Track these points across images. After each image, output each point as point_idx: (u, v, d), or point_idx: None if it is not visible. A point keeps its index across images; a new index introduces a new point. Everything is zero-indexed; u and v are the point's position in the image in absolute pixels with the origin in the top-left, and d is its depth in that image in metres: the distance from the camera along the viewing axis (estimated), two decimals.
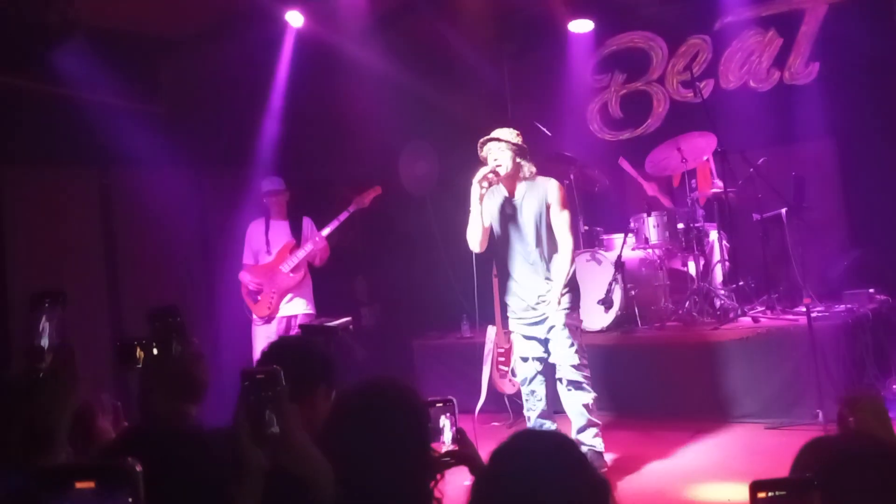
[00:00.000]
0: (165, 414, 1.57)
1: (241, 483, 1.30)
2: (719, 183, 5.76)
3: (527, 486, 1.23)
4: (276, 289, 5.33)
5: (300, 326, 4.75)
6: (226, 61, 6.23)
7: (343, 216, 5.37)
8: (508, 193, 4.01)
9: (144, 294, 5.85)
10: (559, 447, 1.33)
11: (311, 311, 5.37)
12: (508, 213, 4.00)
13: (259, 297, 5.35)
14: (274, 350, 1.92)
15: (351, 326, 4.63)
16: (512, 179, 3.96)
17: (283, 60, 6.42)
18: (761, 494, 1.05)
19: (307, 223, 5.47)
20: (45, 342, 1.54)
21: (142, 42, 5.82)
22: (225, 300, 5.80)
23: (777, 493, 1.05)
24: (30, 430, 1.47)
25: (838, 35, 6.17)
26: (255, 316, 5.35)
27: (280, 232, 5.42)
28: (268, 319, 5.31)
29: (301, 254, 5.32)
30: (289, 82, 6.51)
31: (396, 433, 1.58)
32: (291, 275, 5.34)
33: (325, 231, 5.35)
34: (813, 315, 4.60)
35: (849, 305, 5.20)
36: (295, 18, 6.01)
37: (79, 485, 0.97)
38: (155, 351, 1.73)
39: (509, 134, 3.91)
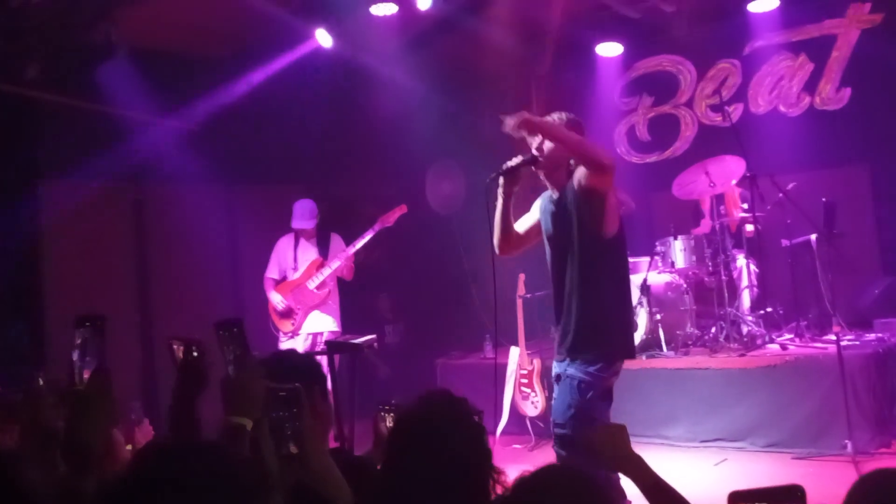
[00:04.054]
0: (220, 428, 1.59)
1: (264, 500, 1.31)
2: (744, 206, 5.72)
3: None
4: (302, 305, 5.39)
5: (326, 343, 4.80)
6: (259, 81, 6.37)
7: (368, 234, 5.40)
8: (554, 190, 3.04)
9: (174, 307, 5.96)
10: (582, 488, 1.32)
11: (337, 329, 5.43)
12: (553, 214, 3.05)
13: (284, 315, 5.41)
14: (266, 365, 1.94)
15: (375, 344, 4.68)
16: (557, 171, 3.01)
17: (314, 80, 6.53)
18: None
19: (335, 239, 5.54)
20: (82, 365, 1.58)
21: (179, 61, 5.98)
22: (252, 315, 5.88)
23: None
24: (69, 447, 1.51)
25: (870, 60, 6.12)
26: (280, 331, 5.41)
27: (308, 249, 5.50)
28: (293, 335, 5.37)
29: (327, 271, 5.38)
30: (319, 101, 6.63)
31: (458, 450, 1.60)
32: (317, 291, 5.40)
33: (351, 249, 5.40)
34: (843, 343, 4.53)
35: (880, 334, 5.12)
36: (325, 39, 6.12)
37: None
38: (195, 353, 1.77)
39: (557, 115, 3.04)
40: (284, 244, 5.54)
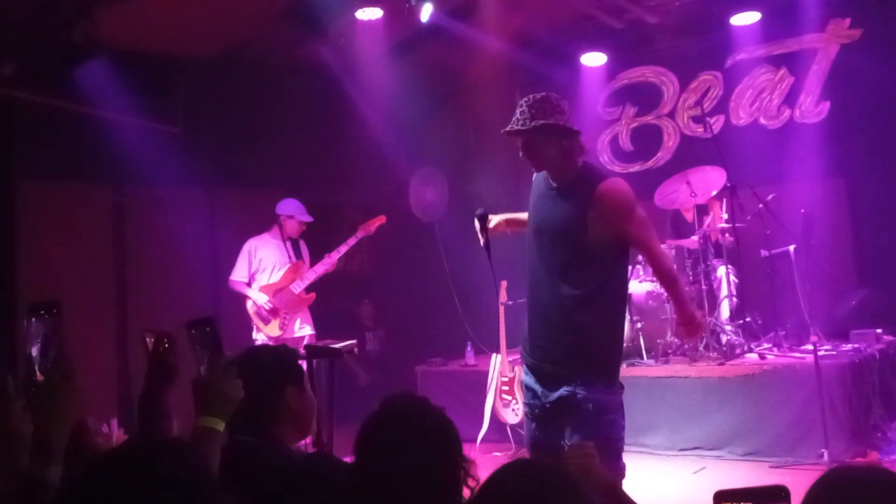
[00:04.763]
0: (190, 431, 1.57)
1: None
2: (725, 217, 5.78)
3: None
4: (290, 309, 5.35)
5: (305, 347, 4.75)
6: (243, 84, 6.33)
7: (352, 241, 5.40)
8: (553, 180, 2.78)
9: (151, 310, 5.88)
10: (551, 479, 1.31)
11: (313, 333, 5.40)
12: (545, 204, 2.80)
13: (271, 318, 5.34)
14: (237, 364, 1.91)
15: (355, 350, 4.65)
16: (549, 166, 2.76)
17: (298, 84, 6.51)
18: None
19: (304, 246, 5.54)
20: (40, 354, 1.55)
21: (161, 63, 5.92)
22: (231, 317, 5.81)
23: None
24: (32, 440, 1.48)
25: (849, 74, 6.22)
26: (263, 336, 5.31)
27: (290, 253, 5.45)
28: (277, 340, 5.30)
29: (312, 276, 5.35)
30: (302, 106, 6.60)
31: (423, 441, 1.57)
32: (304, 296, 5.38)
33: (336, 256, 5.39)
34: (820, 353, 4.58)
35: (856, 345, 5.17)
36: (311, 45, 6.10)
37: None
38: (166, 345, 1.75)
39: (523, 118, 2.69)
40: (261, 245, 5.41)
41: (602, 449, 2.45)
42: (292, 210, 5.42)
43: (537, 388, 2.80)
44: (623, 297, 2.94)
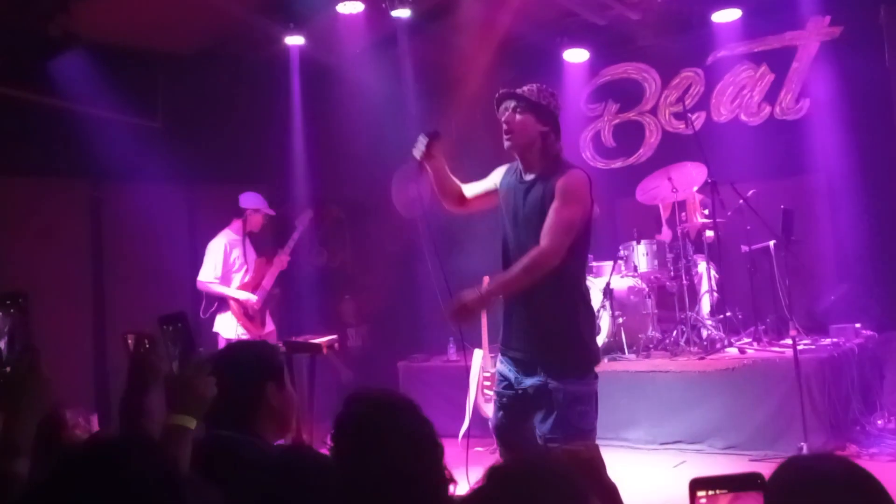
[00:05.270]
0: (161, 428, 1.55)
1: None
2: (705, 213, 5.82)
3: None
4: (265, 306, 5.32)
5: (284, 343, 4.71)
6: (223, 79, 6.27)
7: (295, 236, 5.38)
8: (526, 171, 2.85)
9: (129, 307, 5.83)
10: (559, 478, 1.30)
11: (274, 328, 5.42)
12: (516, 197, 2.86)
13: (256, 316, 5.30)
14: (217, 360, 1.90)
15: (336, 345, 4.62)
16: (530, 152, 2.81)
17: (280, 80, 6.46)
18: (701, 493, 1.02)
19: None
20: (7, 346, 1.53)
21: (140, 58, 5.86)
22: (209, 316, 5.76)
23: (718, 491, 1.02)
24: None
25: (829, 72, 6.27)
26: (232, 333, 5.22)
27: (249, 249, 5.39)
28: (261, 336, 5.27)
29: (275, 272, 5.33)
30: (285, 101, 6.55)
31: (401, 429, 1.56)
32: (273, 292, 5.36)
33: (288, 250, 5.35)
34: (799, 348, 4.61)
35: (835, 339, 5.22)
36: (293, 39, 6.07)
37: None
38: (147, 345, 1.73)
39: (529, 90, 2.77)
40: (234, 243, 5.31)
41: (572, 439, 2.56)
42: (258, 203, 5.33)
43: (511, 375, 2.83)
44: (583, 281, 2.93)
